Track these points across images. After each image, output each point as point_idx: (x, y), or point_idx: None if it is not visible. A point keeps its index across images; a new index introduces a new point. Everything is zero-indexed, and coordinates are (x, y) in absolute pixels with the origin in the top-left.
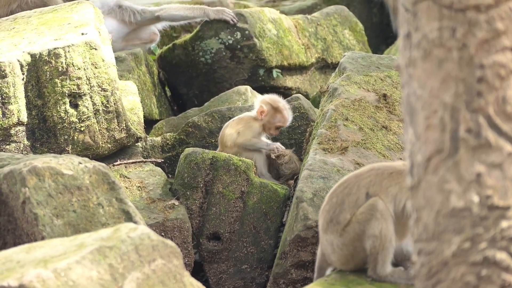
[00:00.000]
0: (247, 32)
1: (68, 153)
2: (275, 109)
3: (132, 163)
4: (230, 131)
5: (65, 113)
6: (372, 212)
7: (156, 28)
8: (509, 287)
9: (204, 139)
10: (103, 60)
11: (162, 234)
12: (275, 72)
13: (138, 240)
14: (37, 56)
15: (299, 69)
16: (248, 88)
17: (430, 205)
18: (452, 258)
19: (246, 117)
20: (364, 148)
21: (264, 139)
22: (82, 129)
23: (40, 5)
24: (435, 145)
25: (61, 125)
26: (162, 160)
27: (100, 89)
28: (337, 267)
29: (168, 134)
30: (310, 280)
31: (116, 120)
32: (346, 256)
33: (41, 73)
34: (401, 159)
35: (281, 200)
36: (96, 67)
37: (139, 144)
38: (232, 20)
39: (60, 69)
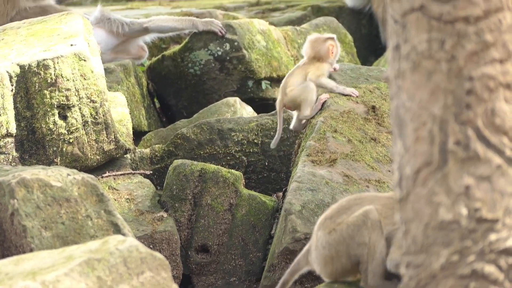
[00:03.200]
0: (236, 43)
1: (57, 164)
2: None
3: (121, 175)
4: (296, 78)
5: (54, 124)
6: (364, 219)
7: (145, 40)
8: None
9: (193, 150)
10: (92, 72)
11: (151, 246)
12: (264, 84)
13: (127, 253)
14: (26, 67)
15: None
16: (237, 99)
17: (419, 218)
18: (441, 271)
19: (310, 61)
20: (352, 160)
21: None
22: (71, 140)
23: (40, 12)
24: (424, 157)
25: (50, 136)
26: (151, 172)
27: (89, 100)
28: (313, 267)
29: (157, 145)
30: None
31: (105, 132)
32: (326, 258)
33: (30, 84)
34: (389, 171)
35: (269, 212)
36: (85, 79)
37: (128, 155)
38: (220, 31)
39: (49, 81)
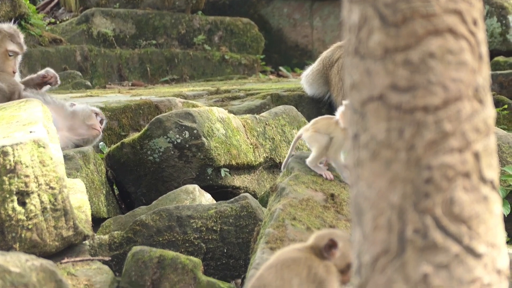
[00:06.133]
0: (195, 131)
1: (16, 250)
2: None
3: (80, 261)
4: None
5: (12, 210)
6: None
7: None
8: None
9: (151, 237)
10: (51, 158)
11: None
12: (223, 171)
13: None
14: None
15: (247, 168)
16: (196, 187)
17: None
18: None
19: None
20: None
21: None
22: (29, 227)
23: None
24: (382, 245)
25: (9, 222)
26: (110, 258)
27: (48, 187)
28: None
29: (115, 232)
30: None
31: (63, 218)
32: None
33: None
34: None
35: None
36: (44, 165)
37: (87, 242)
38: None
39: (8, 167)
